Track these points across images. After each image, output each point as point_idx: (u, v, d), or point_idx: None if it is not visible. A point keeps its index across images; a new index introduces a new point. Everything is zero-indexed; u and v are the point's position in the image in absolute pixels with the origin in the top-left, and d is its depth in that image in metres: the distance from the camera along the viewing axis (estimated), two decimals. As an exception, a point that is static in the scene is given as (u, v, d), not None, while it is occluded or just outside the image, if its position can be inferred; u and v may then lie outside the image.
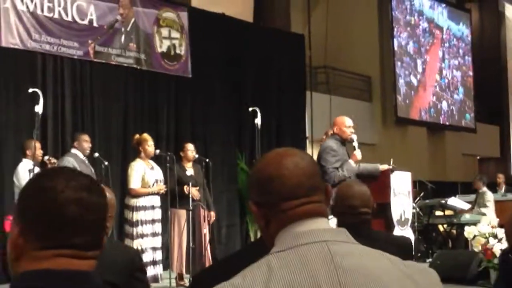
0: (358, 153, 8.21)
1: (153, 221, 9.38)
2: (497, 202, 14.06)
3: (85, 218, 1.69)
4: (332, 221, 7.67)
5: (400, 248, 3.87)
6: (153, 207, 9.41)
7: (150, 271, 9.24)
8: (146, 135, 9.67)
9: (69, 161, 9.05)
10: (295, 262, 1.62)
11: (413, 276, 1.69)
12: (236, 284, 1.62)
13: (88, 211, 1.69)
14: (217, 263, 3.26)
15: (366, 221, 4.02)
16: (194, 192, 9.65)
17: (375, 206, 4.17)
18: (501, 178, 17.04)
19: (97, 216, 1.71)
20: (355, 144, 8.29)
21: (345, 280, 1.61)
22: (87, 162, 9.31)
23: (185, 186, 9.54)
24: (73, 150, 9.31)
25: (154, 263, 9.35)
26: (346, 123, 8.33)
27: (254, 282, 1.60)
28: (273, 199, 1.76)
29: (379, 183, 8.15)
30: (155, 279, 9.35)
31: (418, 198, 13.81)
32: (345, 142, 8.26)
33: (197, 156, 10.18)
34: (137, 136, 9.75)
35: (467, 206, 13.65)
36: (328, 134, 9.59)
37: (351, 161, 8.10)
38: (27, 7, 10.58)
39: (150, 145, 9.56)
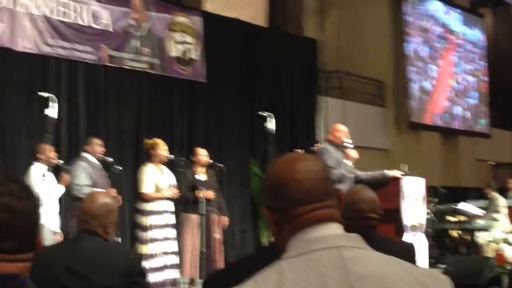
0: (353, 152, 8.32)
1: (165, 226, 9.37)
2: (509, 208, 13.99)
3: (13, 224, 1.71)
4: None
5: (402, 253, 3.88)
6: (165, 212, 9.40)
7: (162, 276, 9.24)
8: (159, 140, 9.67)
9: (83, 166, 9.05)
10: (307, 268, 1.62)
11: (425, 283, 1.69)
12: (247, 289, 1.63)
13: (16, 217, 1.72)
14: (230, 266, 3.28)
15: (373, 226, 4.06)
16: (209, 194, 9.64)
17: (382, 212, 4.20)
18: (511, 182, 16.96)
19: (25, 221, 1.73)
20: (349, 145, 8.38)
21: (357, 285, 1.61)
22: (100, 166, 9.31)
23: (199, 192, 9.52)
24: (85, 154, 9.30)
25: (165, 267, 9.34)
26: (339, 128, 8.60)
27: (266, 287, 1.60)
28: (285, 204, 1.76)
29: (389, 188, 8.21)
30: (167, 284, 9.34)
31: (432, 204, 13.76)
32: (340, 147, 8.37)
33: (210, 161, 10.16)
34: (149, 140, 9.75)
35: (480, 212, 13.61)
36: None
37: (346, 162, 8.20)
38: (41, 11, 10.62)
39: (163, 150, 9.56)
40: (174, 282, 9.54)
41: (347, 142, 8.40)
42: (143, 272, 3.94)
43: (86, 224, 3.82)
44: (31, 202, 1.78)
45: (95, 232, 3.81)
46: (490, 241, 9.79)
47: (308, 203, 1.74)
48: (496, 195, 14.24)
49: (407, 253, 4.00)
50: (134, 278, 3.74)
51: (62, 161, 9.36)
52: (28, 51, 10.44)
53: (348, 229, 3.92)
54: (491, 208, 13.99)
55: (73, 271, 3.66)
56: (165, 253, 9.36)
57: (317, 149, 9.36)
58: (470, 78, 22.52)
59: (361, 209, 3.97)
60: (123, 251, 5.13)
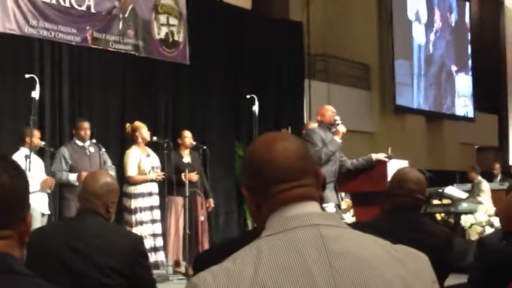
0: (341, 128, 8.33)
1: (151, 208, 9.39)
2: (493, 191, 14.06)
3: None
4: (329, 207, 7.70)
5: (438, 239, 4.05)
6: (151, 194, 9.41)
7: (151, 258, 9.24)
8: (139, 122, 9.68)
9: (60, 152, 9.09)
10: (285, 245, 1.62)
11: (403, 260, 1.69)
12: (226, 267, 1.62)
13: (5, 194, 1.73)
14: (220, 246, 3.28)
15: (419, 206, 4.23)
16: (192, 176, 9.65)
17: (426, 195, 4.35)
18: (497, 168, 17.05)
19: (12, 197, 1.74)
20: (338, 122, 8.39)
21: (335, 264, 1.61)
22: (91, 149, 9.26)
23: (183, 174, 9.53)
24: (74, 138, 9.35)
25: (154, 249, 9.36)
26: (328, 108, 8.65)
27: (244, 266, 1.60)
28: (263, 183, 1.75)
29: (375, 172, 8.23)
30: (156, 265, 9.35)
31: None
32: (330, 126, 8.38)
33: (194, 143, 10.19)
34: (129, 124, 9.76)
35: (464, 195, 13.65)
36: (308, 126, 9.85)
37: (336, 137, 8.23)
38: (25, -8, 10.54)
39: (145, 131, 9.57)
40: (163, 264, 9.55)
41: (336, 120, 8.42)
42: (145, 253, 3.95)
43: (88, 203, 3.80)
44: (20, 179, 1.79)
45: (97, 211, 3.78)
46: (474, 224, 9.83)
47: (286, 181, 1.73)
48: (480, 178, 14.31)
49: (443, 239, 4.11)
50: (136, 259, 3.74)
51: (43, 143, 9.34)
52: (11, 32, 10.37)
53: (394, 205, 4.14)
54: (475, 191, 14.06)
55: (74, 249, 3.65)
56: (154, 235, 9.37)
57: (304, 131, 9.38)
58: (455, 62, 22.56)
59: (410, 189, 4.09)
60: (125, 231, 5.18)
